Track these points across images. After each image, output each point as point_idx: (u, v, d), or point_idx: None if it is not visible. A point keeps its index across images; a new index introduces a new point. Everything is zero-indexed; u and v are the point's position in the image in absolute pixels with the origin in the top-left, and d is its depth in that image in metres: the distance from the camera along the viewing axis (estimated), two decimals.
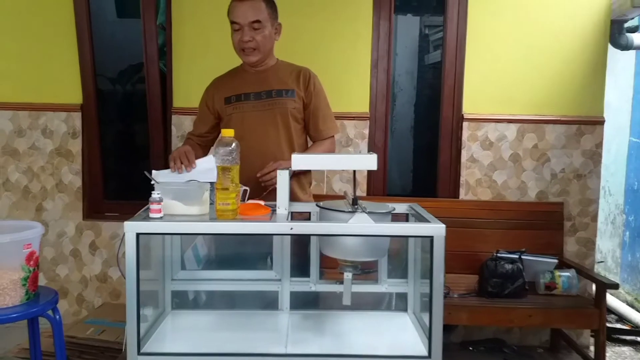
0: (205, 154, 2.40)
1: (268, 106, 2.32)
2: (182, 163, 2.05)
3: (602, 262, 4.26)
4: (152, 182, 1.87)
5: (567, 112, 3.25)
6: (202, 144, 2.46)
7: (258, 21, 2.25)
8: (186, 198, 1.71)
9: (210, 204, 1.85)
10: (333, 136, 2.45)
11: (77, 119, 3.36)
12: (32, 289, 2.00)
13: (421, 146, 4.41)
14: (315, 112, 2.38)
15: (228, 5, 2.31)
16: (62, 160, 3.39)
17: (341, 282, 1.85)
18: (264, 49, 2.30)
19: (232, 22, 2.28)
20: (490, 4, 3.21)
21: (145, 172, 1.94)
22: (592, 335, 3.21)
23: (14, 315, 1.93)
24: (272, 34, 2.34)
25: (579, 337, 3.25)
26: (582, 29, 3.21)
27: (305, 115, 2.39)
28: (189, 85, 3.22)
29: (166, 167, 3.11)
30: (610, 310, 3.78)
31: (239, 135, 2.20)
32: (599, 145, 3.26)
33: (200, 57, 3.22)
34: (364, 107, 3.31)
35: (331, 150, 2.43)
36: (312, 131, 2.41)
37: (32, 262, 1.98)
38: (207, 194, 1.76)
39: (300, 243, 2.09)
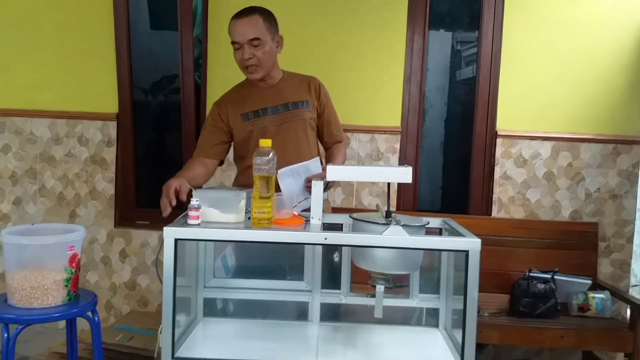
0: (209, 170, 2.37)
1: (287, 119, 2.36)
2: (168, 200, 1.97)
3: (636, 285, 4.15)
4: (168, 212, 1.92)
5: (603, 130, 3.21)
6: (212, 158, 2.39)
7: (257, 38, 2.25)
8: (223, 206, 1.73)
9: (246, 212, 1.87)
10: (343, 140, 2.55)
11: (112, 128, 3.44)
12: (73, 290, 2.06)
13: (451, 162, 4.38)
14: (329, 119, 2.47)
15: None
16: (96, 168, 3.45)
17: (372, 295, 1.84)
18: (266, 64, 2.31)
19: (232, 42, 2.29)
20: (526, 21, 3.20)
21: (191, 187, 1.95)
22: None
23: (56, 314, 2.00)
24: (274, 48, 2.34)
25: None
26: (619, 47, 3.18)
27: (319, 123, 2.45)
28: None
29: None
30: None
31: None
32: (636, 165, 3.20)
33: (235, 69, 3.22)
34: (395, 121, 3.31)
35: (346, 154, 2.54)
36: (327, 137, 2.49)
37: (74, 264, 2.03)
38: (243, 203, 1.77)
39: (330, 256, 2.10)
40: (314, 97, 2.42)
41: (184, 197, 1.99)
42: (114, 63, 3.41)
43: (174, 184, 2.02)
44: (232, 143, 2.44)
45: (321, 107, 2.44)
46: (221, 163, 2.45)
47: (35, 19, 3.40)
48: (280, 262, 2.18)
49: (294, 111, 2.37)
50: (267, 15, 2.31)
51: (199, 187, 2.24)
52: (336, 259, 2.04)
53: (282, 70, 2.45)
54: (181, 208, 1.88)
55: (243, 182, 2.35)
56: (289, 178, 2.13)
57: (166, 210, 1.95)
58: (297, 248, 2.08)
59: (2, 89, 3.45)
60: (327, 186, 2.30)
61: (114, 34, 3.39)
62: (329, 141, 2.50)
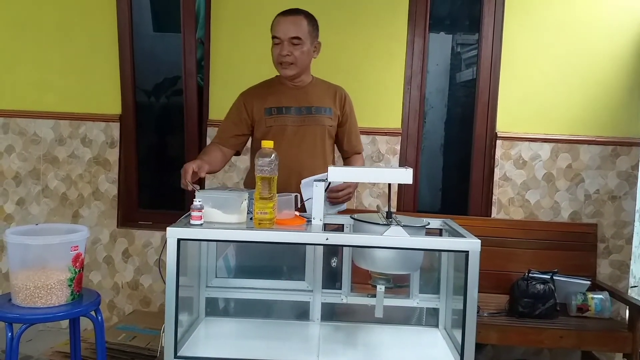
0: (226, 158, 2.44)
1: (307, 121, 2.40)
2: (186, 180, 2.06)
3: (635, 286, 4.17)
4: (191, 188, 1.93)
5: (603, 132, 3.23)
6: (230, 148, 2.45)
7: (298, 37, 2.33)
8: (225, 206, 1.75)
9: (248, 213, 1.89)
10: (361, 152, 2.60)
11: (115, 129, 3.46)
12: (77, 290, 2.08)
13: (451, 164, 4.40)
14: (350, 130, 2.53)
15: (272, 21, 2.39)
16: (99, 169, 3.48)
17: (372, 295, 1.86)
18: (301, 64, 2.37)
19: (273, 37, 2.35)
20: (526, 23, 3.22)
21: (195, 188, 1.99)
22: None
23: (60, 314, 2.02)
24: (311, 51, 2.41)
25: None
26: (618, 49, 3.20)
27: (339, 133, 2.51)
28: (225, 99, 3.23)
29: (200, 178, 3.18)
30: None
31: (277, 147, 2.28)
32: (635, 167, 3.22)
33: (237, 71, 3.29)
34: (396, 123, 3.33)
35: (364, 165, 2.58)
36: (346, 146, 2.54)
37: (78, 264, 2.06)
38: (245, 203, 1.79)
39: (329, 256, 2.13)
40: (338, 106, 2.47)
41: (203, 174, 2.10)
42: (117, 65, 3.43)
43: (191, 166, 2.09)
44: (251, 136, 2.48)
45: (344, 117, 2.50)
46: (237, 153, 2.51)
47: (38, 21, 3.43)
48: (281, 262, 2.21)
49: (316, 116, 2.42)
50: (312, 19, 2.40)
51: (216, 171, 2.47)
52: (334, 264, 2.06)
53: (312, 75, 2.50)
54: (201, 185, 1.91)
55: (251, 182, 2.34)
56: (311, 188, 2.13)
57: (188, 188, 2.04)
58: (298, 248, 2.11)
59: (6, 90, 3.48)
60: (348, 197, 2.35)
61: (117, 36, 3.41)
62: (348, 151, 2.56)
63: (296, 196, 1.92)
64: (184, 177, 2.07)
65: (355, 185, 2.38)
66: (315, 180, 1.82)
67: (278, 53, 2.35)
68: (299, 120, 2.40)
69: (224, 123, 2.50)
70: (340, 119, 2.48)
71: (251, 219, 1.81)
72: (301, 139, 2.38)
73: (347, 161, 2.60)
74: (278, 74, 2.46)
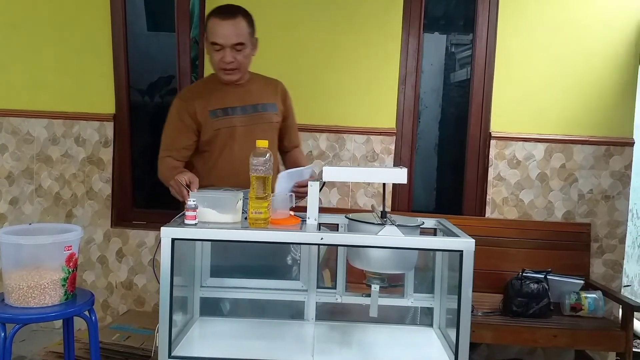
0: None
1: (255, 120, 2.34)
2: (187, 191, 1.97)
3: (628, 286, 4.19)
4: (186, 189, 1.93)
5: (596, 132, 3.24)
6: (183, 160, 2.32)
7: (241, 43, 2.22)
8: (220, 206, 1.74)
9: (242, 212, 1.89)
10: (300, 146, 2.59)
11: (109, 128, 3.45)
12: (70, 290, 2.07)
13: (445, 164, 4.41)
14: (292, 124, 2.50)
15: (206, 19, 2.27)
16: (93, 168, 3.46)
17: (367, 295, 1.87)
18: (244, 68, 2.30)
19: (213, 43, 2.22)
20: (520, 23, 3.23)
21: (187, 181, 1.98)
22: (617, 359, 3.15)
23: (54, 314, 2.02)
24: (251, 51, 2.31)
25: None
26: (612, 49, 3.21)
27: (282, 128, 2.45)
28: None
29: None
30: (636, 335, 3.71)
31: (228, 149, 2.29)
32: (628, 166, 3.24)
33: None
34: (390, 122, 3.34)
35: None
36: (287, 141, 2.50)
37: (71, 264, 2.05)
38: (240, 203, 1.79)
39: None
40: (280, 101, 2.42)
41: (194, 189, 1.99)
42: (111, 64, 3.42)
43: (183, 179, 2.02)
44: None
45: (287, 111, 2.45)
46: (186, 166, 2.33)
47: (32, 20, 3.41)
48: (276, 261, 2.20)
49: (263, 113, 2.36)
50: (249, 18, 2.28)
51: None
52: (296, 256, 2.07)
53: (249, 71, 2.41)
54: None
55: (205, 184, 2.16)
56: (286, 181, 2.11)
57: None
58: (293, 248, 2.11)
59: (0, 89, 3.46)
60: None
61: (112, 35, 3.40)
62: (288, 145, 2.52)
63: (291, 195, 1.91)
64: (181, 190, 2.01)
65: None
66: (310, 182, 1.82)
67: (220, 59, 2.23)
68: (247, 120, 2.32)
69: (168, 134, 2.33)
70: (284, 114, 2.43)
71: (245, 218, 1.81)
72: (252, 139, 2.19)
73: (288, 155, 2.53)
74: (212, 73, 2.38)
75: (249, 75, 2.39)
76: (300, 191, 2.19)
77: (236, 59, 2.24)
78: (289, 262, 2.16)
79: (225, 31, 2.20)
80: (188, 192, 1.95)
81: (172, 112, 2.34)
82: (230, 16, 2.21)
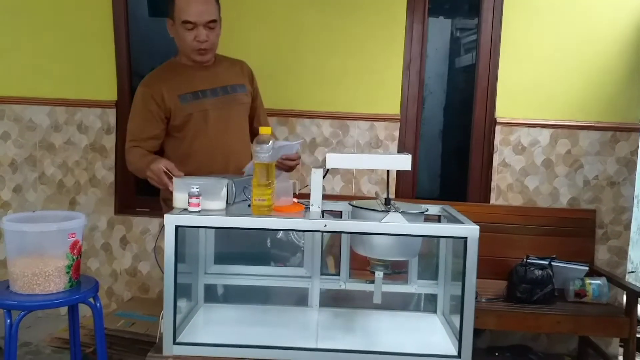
0: None
1: (227, 102, 2.30)
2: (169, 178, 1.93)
3: (633, 272, 4.18)
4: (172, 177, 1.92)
5: (602, 118, 3.22)
6: (152, 150, 2.24)
7: (214, 20, 2.19)
8: (206, 193, 1.73)
9: (244, 200, 1.89)
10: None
11: (111, 115, 3.44)
12: (74, 277, 2.07)
13: (450, 150, 4.38)
14: (259, 105, 2.47)
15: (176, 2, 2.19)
16: (96, 156, 3.46)
17: (371, 282, 1.86)
18: (215, 48, 2.28)
19: (186, 21, 2.16)
20: (526, 8, 3.20)
21: (165, 169, 1.97)
22: (621, 345, 3.15)
23: (58, 301, 2.02)
24: (220, 33, 2.27)
25: (607, 347, 3.20)
26: (619, 34, 3.17)
27: (251, 108, 2.42)
28: None
29: None
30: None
31: (202, 133, 2.25)
32: (634, 152, 3.22)
33: (233, 55, 3.25)
34: (395, 109, 3.32)
35: None
36: (256, 122, 2.44)
37: (75, 251, 2.05)
38: (225, 190, 1.78)
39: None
40: (248, 81, 2.39)
41: (177, 173, 1.96)
42: (113, 50, 3.40)
43: (160, 167, 1.98)
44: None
45: (254, 92, 2.43)
46: (157, 153, 2.26)
47: (33, 6, 3.39)
48: (280, 248, 2.21)
49: (233, 95, 2.32)
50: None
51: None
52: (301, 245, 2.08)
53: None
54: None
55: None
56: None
57: (170, 187, 1.87)
58: (297, 235, 2.11)
59: (1, 76, 3.45)
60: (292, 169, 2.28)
61: (113, 21, 3.38)
62: (258, 127, 2.45)
63: (294, 182, 1.90)
64: (162, 178, 1.97)
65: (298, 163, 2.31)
66: (314, 169, 1.81)
67: (193, 39, 2.17)
68: (219, 103, 2.27)
69: (134, 123, 2.25)
70: (252, 94, 2.40)
71: (249, 205, 1.80)
72: (226, 122, 2.27)
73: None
74: (174, 57, 2.33)
75: (213, 57, 2.33)
76: (286, 164, 2.21)
77: (209, 38, 2.19)
78: (292, 249, 2.16)
79: (198, 8, 2.15)
80: (170, 178, 1.91)
81: (136, 100, 2.26)
82: None
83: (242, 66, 2.42)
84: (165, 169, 1.98)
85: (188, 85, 2.24)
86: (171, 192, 1.82)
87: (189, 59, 2.27)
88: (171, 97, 2.21)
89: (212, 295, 2.12)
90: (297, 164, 2.31)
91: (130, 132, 2.25)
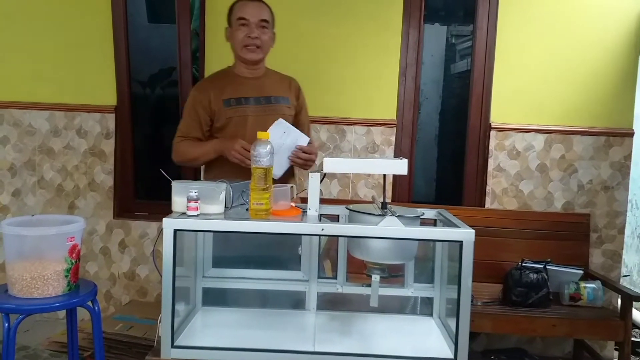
0: None
1: (268, 111, 2.40)
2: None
3: (627, 276, 4.21)
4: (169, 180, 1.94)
5: (596, 123, 3.25)
6: None
7: (266, 20, 2.35)
8: (204, 197, 1.75)
9: (242, 204, 1.91)
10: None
11: (110, 120, 3.46)
12: (73, 281, 2.08)
13: (445, 155, 4.42)
14: (303, 121, 2.55)
15: (231, 6, 2.40)
16: (95, 160, 3.48)
17: (368, 285, 1.88)
18: (265, 50, 2.40)
19: (240, 18, 2.34)
20: (521, 15, 3.23)
21: (161, 170, 2.01)
22: (616, 348, 3.18)
23: (57, 304, 2.02)
24: (271, 39, 2.43)
25: (602, 350, 3.23)
26: (612, 40, 3.21)
27: (294, 122, 2.49)
28: None
29: (196, 169, 3.19)
30: (635, 325, 3.74)
31: (240, 137, 2.33)
32: (628, 157, 3.25)
33: (232, 63, 3.27)
34: (391, 114, 3.35)
35: None
36: None
37: (74, 255, 2.06)
38: (223, 194, 1.80)
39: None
40: (293, 96, 2.49)
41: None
42: (112, 56, 3.43)
43: (240, 144, 2.21)
44: None
45: (299, 107, 2.52)
46: None
47: (33, 11, 3.41)
48: (278, 252, 2.22)
49: (275, 105, 2.42)
50: (271, 9, 2.42)
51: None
52: (300, 251, 2.10)
53: (266, 66, 2.51)
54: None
55: (217, 172, 2.35)
56: (280, 132, 2.25)
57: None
58: (294, 239, 2.12)
59: (0, 81, 3.47)
60: (306, 164, 2.37)
61: (112, 27, 3.40)
62: None
63: (292, 187, 1.93)
64: (245, 155, 2.18)
65: (312, 165, 2.38)
66: (311, 173, 1.83)
67: (245, 35, 2.34)
68: (260, 110, 2.39)
69: (184, 122, 2.44)
70: (296, 109, 2.51)
71: (247, 209, 1.82)
72: (264, 129, 2.29)
73: None
74: (230, 65, 2.48)
75: (265, 70, 2.48)
76: (300, 155, 2.29)
77: (260, 37, 2.34)
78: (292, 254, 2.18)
79: (252, 8, 2.35)
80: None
81: (188, 101, 2.45)
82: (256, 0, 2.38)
83: (290, 81, 2.53)
84: (242, 147, 2.21)
85: (234, 92, 2.40)
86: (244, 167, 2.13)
87: (240, 61, 2.42)
88: (217, 100, 2.38)
89: (210, 298, 2.13)
90: (312, 159, 2.37)
91: (179, 129, 2.45)
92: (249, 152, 2.06)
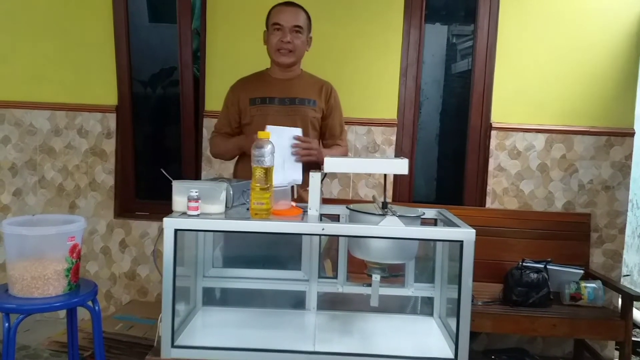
0: None
1: (290, 112, 2.45)
2: None
3: (628, 275, 4.21)
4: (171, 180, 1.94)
5: (597, 123, 3.25)
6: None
7: (299, 26, 2.42)
8: (205, 197, 1.75)
9: (242, 204, 1.91)
10: (346, 147, 2.65)
11: (111, 120, 3.46)
12: (74, 280, 2.09)
13: (446, 154, 4.41)
14: (333, 124, 2.57)
15: (269, 11, 2.47)
16: (96, 160, 3.48)
17: (368, 285, 1.88)
18: (298, 54, 2.46)
19: (275, 24, 2.42)
20: (521, 14, 3.23)
21: (162, 170, 2.01)
22: (616, 348, 3.18)
23: (57, 304, 2.03)
24: (305, 43, 2.50)
25: (603, 350, 3.23)
26: (613, 40, 3.21)
27: (322, 125, 2.56)
28: (221, 90, 3.23)
29: (197, 168, 3.20)
30: (635, 325, 3.73)
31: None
32: (629, 157, 3.25)
33: (233, 62, 3.28)
34: (392, 113, 3.35)
35: (346, 155, 2.64)
36: (329, 138, 2.59)
37: (75, 255, 2.06)
38: (224, 194, 1.80)
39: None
40: (323, 99, 2.52)
41: None
42: (113, 55, 3.43)
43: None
44: None
45: (328, 110, 2.55)
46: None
47: (34, 11, 3.42)
48: (278, 252, 2.22)
49: (300, 107, 2.47)
50: (308, 14, 2.49)
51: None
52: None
53: (301, 69, 2.56)
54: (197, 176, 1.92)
55: (240, 170, 2.51)
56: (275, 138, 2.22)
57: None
58: (295, 238, 2.12)
59: (2, 80, 3.47)
60: (307, 154, 2.37)
61: (113, 27, 3.40)
62: (327, 142, 2.60)
63: (292, 187, 1.93)
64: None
65: (315, 152, 2.38)
66: (312, 171, 1.83)
67: (279, 39, 2.41)
68: (282, 111, 2.45)
69: (219, 118, 2.57)
70: (325, 112, 2.53)
71: (248, 209, 1.82)
72: None
73: (330, 148, 2.61)
74: (268, 67, 2.54)
75: (299, 72, 2.54)
76: (301, 146, 2.32)
77: (293, 42, 2.41)
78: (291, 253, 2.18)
79: (287, 14, 2.42)
80: None
81: (225, 99, 2.57)
82: (292, 5, 2.46)
83: (323, 85, 2.56)
84: None
85: (262, 91, 2.48)
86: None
87: (273, 64, 2.50)
88: (245, 99, 2.48)
89: (210, 298, 2.13)
90: (311, 146, 2.36)
91: (215, 125, 2.60)
92: None
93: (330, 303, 2.12)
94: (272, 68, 2.54)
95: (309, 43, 2.53)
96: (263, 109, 2.45)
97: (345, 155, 2.63)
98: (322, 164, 1.82)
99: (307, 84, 2.53)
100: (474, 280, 1.69)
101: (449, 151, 4.32)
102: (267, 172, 1.74)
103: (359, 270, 1.97)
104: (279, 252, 2.20)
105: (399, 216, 1.71)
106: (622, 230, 3.27)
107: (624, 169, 3.25)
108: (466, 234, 1.68)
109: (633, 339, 3.09)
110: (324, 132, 2.58)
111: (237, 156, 2.57)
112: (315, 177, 1.83)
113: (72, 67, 3.44)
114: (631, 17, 3.19)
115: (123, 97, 3.48)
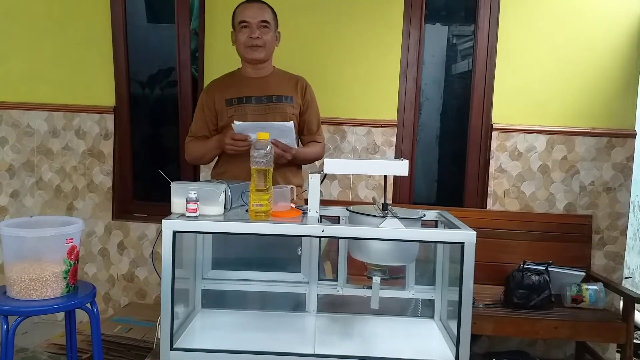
0: None
1: (268, 110, 2.44)
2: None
3: (629, 277, 4.20)
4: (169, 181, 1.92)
5: (598, 124, 3.23)
6: None
7: (266, 21, 2.41)
8: (204, 198, 1.73)
9: (241, 205, 1.89)
10: (321, 142, 2.62)
11: (109, 120, 3.44)
12: (72, 282, 2.07)
13: (447, 155, 4.39)
14: (310, 119, 2.55)
15: (234, 10, 2.46)
16: (93, 161, 3.46)
17: (368, 287, 1.87)
18: (269, 49, 2.46)
19: (241, 22, 2.40)
20: (522, 15, 3.22)
21: (160, 171, 1.99)
22: (618, 351, 3.16)
23: (55, 306, 2.02)
24: (274, 39, 2.49)
25: (604, 352, 3.21)
26: (615, 41, 3.20)
27: (300, 121, 2.54)
28: None
29: (195, 169, 3.19)
30: (637, 327, 3.72)
31: None
32: (630, 158, 3.23)
33: (231, 63, 3.23)
34: (392, 114, 3.33)
35: (323, 153, 2.62)
36: (306, 134, 2.57)
37: (73, 256, 2.05)
38: (222, 196, 1.79)
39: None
40: (299, 95, 2.51)
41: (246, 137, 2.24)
42: (111, 56, 3.41)
43: (229, 138, 2.28)
44: None
45: (305, 105, 2.53)
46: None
47: (31, 11, 3.40)
48: (278, 254, 2.21)
49: (277, 104, 2.45)
50: (273, 10, 2.48)
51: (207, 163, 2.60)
52: (299, 252, 2.09)
53: (274, 66, 2.55)
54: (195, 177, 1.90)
55: (219, 170, 2.49)
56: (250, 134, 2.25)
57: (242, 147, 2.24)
58: (294, 240, 2.11)
59: None
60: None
61: (111, 27, 3.39)
62: (305, 138, 2.58)
63: (292, 188, 1.91)
64: (237, 143, 2.24)
65: (285, 154, 2.32)
66: (312, 174, 1.82)
67: (247, 36, 2.40)
68: (261, 110, 2.44)
69: (194, 122, 2.54)
70: (302, 107, 2.52)
71: (247, 211, 1.81)
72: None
73: (308, 146, 2.59)
74: (239, 67, 2.53)
75: (272, 69, 2.53)
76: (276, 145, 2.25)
77: (262, 37, 2.40)
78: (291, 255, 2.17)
79: (252, 10, 2.41)
80: (244, 139, 2.22)
81: (198, 102, 2.55)
82: (257, 1, 2.45)
83: (298, 80, 2.55)
84: (233, 137, 2.26)
85: (237, 91, 2.46)
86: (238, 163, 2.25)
87: (245, 62, 2.48)
88: (220, 100, 2.46)
89: (209, 300, 2.11)
90: (280, 148, 2.29)
91: (190, 130, 2.56)
92: (240, 140, 2.23)
93: (331, 305, 2.11)
94: (244, 67, 2.52)
95: (278, 39, 2.52)
96: (240, 109, 2.43)
97: (322, 152, 2.60)
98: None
99: (282, 80, 2.52)
100: (474, 283, 1.68)
101: (449, 152, 4.31)
102: (266, 173, 1.73)
103: (359, 272, 1.96)
104: (279, 254, 2.19)
105: (400, 218, 1.70)
106: (623, 232, 3.26)
107: (626, 170, 3.24)
108: (467, 235, 1.67)
109: (635, 341, 3.07)
110: (302, 128, 2.56)
111: (216, 159, 2.53)
112: (315, 178, 1.82)
113: (70, 68, 3.42)
114: (632, 17, 3.18)
115: (121, 98, 3.46)
